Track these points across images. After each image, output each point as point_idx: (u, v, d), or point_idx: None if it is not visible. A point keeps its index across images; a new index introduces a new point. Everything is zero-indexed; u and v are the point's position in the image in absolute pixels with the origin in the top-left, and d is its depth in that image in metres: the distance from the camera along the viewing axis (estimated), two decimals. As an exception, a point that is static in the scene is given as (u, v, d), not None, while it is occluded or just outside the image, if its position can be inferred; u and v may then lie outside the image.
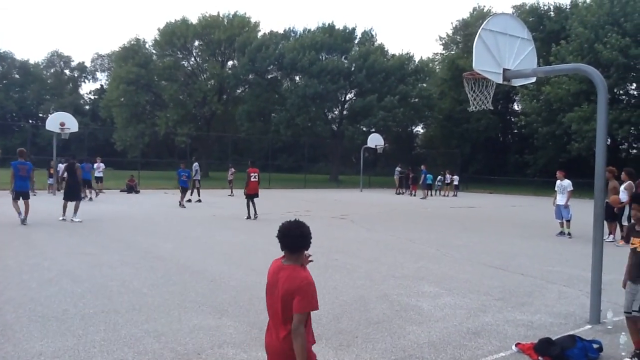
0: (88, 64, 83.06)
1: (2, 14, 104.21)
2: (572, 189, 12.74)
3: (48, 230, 11.50)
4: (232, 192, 25.79)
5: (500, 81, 6.35)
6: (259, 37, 49.43)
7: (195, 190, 21.45)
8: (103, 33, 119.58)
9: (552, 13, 43.20)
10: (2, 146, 42.83)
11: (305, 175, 39.66)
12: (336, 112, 50.38)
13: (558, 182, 12.86)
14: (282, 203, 21.12)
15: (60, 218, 13.17)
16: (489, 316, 5.67)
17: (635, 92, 36.01)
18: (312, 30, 48.01)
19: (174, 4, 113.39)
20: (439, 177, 32.19)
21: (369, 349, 4.56)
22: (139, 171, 31.67)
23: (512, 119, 50.95)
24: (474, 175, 42.35)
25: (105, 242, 10.06)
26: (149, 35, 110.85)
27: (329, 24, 47.58)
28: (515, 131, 50.13)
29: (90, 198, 20.30)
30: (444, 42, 58.92)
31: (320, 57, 44.58)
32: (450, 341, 4.81)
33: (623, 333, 4.73)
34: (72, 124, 23.56)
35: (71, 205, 13.32)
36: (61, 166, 23.32)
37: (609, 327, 5.28)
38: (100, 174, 25.28)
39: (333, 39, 45.32)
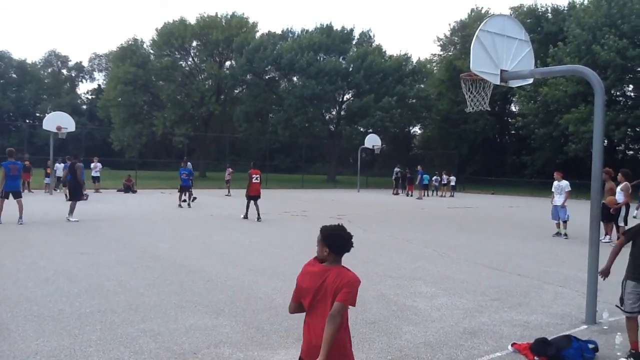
0: (85, 63, 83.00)
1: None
2: (570, 189, 12.78)
3: (44, 229, 11.47)
4: (229, 192, 25.77)
5: (498, 82, 6.36)
6: (256, 37, 49.43)
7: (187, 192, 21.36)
8: (101, 33, 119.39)
9: (549, 15, 43.35)
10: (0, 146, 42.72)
11: (303, 175, 39.65)
12: (334, 113, 50.42)
13: (556, 182, 12.89)
14: (280, 203, 21.11)
15: (71, 218, 13.05)
16: (485, 316, 5.68)
17: (632, 94, 36.13)
18: (310, 30, 48.04)
19: (172, 4, 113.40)
20: (434, 177, 32.25)
21: (365, 349, 4.57)
22: (136, 171, 31.63)
23: (510, 120, 51.09)
24: (471, 176, 42.42)
25: (102, 241, 10.04)
26: (147, 35, 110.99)
27: (326, 24, 47.65)
28: (513, 132, 50.27)
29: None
30: (441, 43, 59.07)
31: (318, 57, 44.60)
32: (447, 341, 4.82)
33: (619, 333, 4.75)
34: (69, 124, 23.49)
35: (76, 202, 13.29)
36: (58, 166, 23.29)
37: (605, 327, 5.29)
38: (98, 174, 25.26)
39: (331, 40, 45.35)
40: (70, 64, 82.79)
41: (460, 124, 46.56)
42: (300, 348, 2.87)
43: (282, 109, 44.05)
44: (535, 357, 4.44)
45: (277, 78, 49.41)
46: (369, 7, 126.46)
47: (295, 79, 46.80)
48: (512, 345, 4.69)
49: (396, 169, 33.44)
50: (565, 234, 12.57)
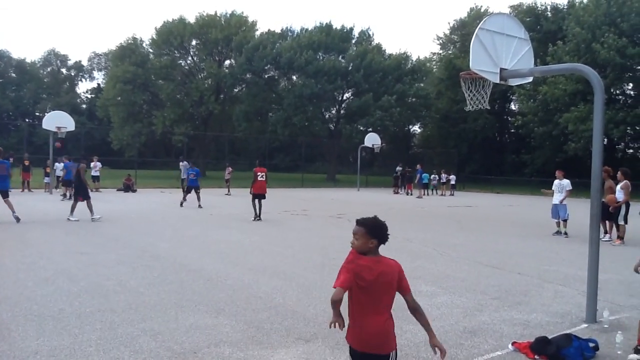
0: (85, 62, 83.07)
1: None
2: (570, 188, 12.78)
3: (44, 229, 11.47)
4: (229, 191, 25.77)
5: (497, 81, 6.35)
6: (256, 36, 49.40)
7: (182, 191, 21.37)
8: (100, 32, 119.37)
9: (549, 13, 43.34)
10: (-1, 145, 42.70)
11: (303, 174, 39.66)
12: (333, 112, 50.41)
13: (557, 181, 12.88)
14: (280, 202, 21.11)
15: (94, 217, 13.05)
16: (485, 315, 5.68)
17: (631, 92, 36.16)
18: (309, 29, 48.02)
19: (171, 3, 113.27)
20: (433, 176, 32.25)
21: (366, 348, 4.56)
22: (136, 170, 31.61)
23: (509, 119, 51.11)
24: (470, 174, 42.44)
25: (102, 241, 10.04)
26: (146, 34, 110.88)
27: (326, 23, 47.63)
28: (512, 131, 50.28)
29: (71, 196, 19.99)
30: (441, 41, 59.11)
31: (318, 56, 44.59)
32: (447, 340, 4.82)
33: (619, 332, 4.74)
34: (68, 123, 23.49)
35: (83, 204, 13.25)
36: (58, 165, 23.28)
37: (605, 326, 5.29)
38: (97, 173, 25.25)
39: (330, 39, 45.31)
40: (70, 63, 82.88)
41: (459, 123, 46.56)
42: (351, 342, 2.91)
43: (282, 108, 44.04)
44: (536, 356, 4.44)
45: (276, 77, 49.38)
46: (368, 5, 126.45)
47: (294, 78, 46.80)
48: (513, 344, 4.69)
49: (398, 168, 33.44)
50: (565, 233, 12.57)
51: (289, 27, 54.57)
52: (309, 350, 4.47)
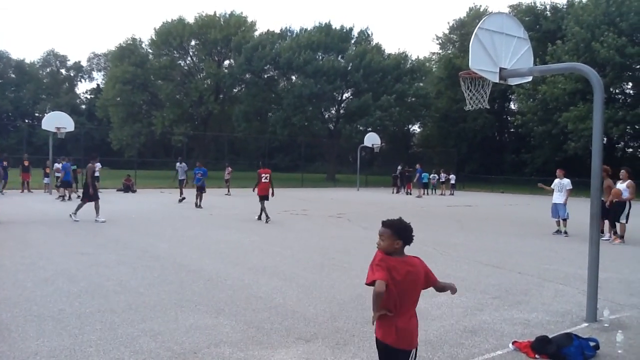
0: (84, 63, 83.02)
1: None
2: (571, 187, 12.78)
3: (44, 229, 11.46)
4: (229, 191, 25.77)
5: (497, 80, 6.34)
6: (255, 36, 49.42)
7: (179, 190, 21.37)
8: (99, 32, 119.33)
9: (548, 12, 43.35)
10: (-2, 146, 42.68)
11: (302, 174, 39.66)
12: (333, 112, 50.42)
13: (557, 180, 12.88)
14: (279, 202, 21.08)
15: (99, 219, 12.96)
16: (485, 314, 5.68)
17: (631, 91, 36.17)
18: (308, 29, 48.06)
19: (170, 3, 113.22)
20: (433, 175, 32.25)
21: (366, 348, 4.56)
22: (136, 170, 31.62)
23: (509, 118, 51.12)
24: (470, 174, 42.44)
25: (102, 241, 10.03)
26: (145, 34, 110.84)
27: (325, 23, 47.66)
28: (512, 130, 50.32)
29: (70, 197, 20.01)
30: (440, 41, 59.16)
31: (317, 56, 44.59)
32: (447, 339, 4.82)
33: (620, 331, 4.74)
34: (68, 124, 23.48)
35: (90, 204, 13.22)
36: (57, 165, 23.26)
37: (606, 325, 5.29)
38: (97, 174, 25.21)
39: (330, 39, 45.31)
40: (69, 63, 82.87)
41: (459, 122, 46.57)
42: (383, 338, 2.98)
43: (281, 108, 44.03)
44: (536, 355, 4.44)
45: (275, 77, 49.39)
46: (367, 5, 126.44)
47: (294, 78, 46.80)
48: (513, 343, 4.68)
49: (399, 167, 33.43)
50: (565, 232, 12.57)
51: (288, 27, 54.68)
52: (309, 350, 4.47)
